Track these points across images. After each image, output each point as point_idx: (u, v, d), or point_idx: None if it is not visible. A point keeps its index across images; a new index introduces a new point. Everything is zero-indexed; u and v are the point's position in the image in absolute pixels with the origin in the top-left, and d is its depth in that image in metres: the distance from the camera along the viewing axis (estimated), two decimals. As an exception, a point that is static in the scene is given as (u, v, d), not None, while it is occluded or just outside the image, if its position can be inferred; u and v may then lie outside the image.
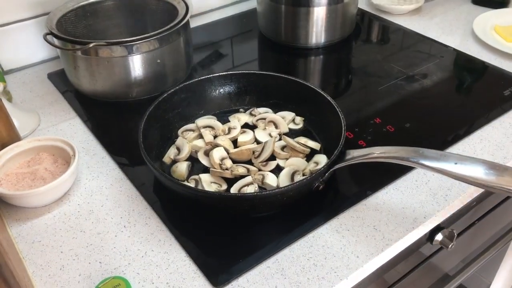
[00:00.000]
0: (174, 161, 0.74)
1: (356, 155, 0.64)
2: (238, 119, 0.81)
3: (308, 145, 0.75)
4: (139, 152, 0.66)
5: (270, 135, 0.77)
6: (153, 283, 0.58)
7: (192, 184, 0.68)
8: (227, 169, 0.70)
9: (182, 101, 0.80)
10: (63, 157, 0.74)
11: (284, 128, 0.78)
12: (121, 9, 0.98)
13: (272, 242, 0.62)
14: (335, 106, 0.73)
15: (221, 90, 0.83)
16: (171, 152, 0.74)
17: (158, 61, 0.86)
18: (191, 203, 0.67)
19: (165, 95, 0.77)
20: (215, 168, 0.70)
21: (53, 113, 0.88)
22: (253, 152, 0.74)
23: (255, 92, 0.84)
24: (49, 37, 0.83)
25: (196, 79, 0.81)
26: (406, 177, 0.71)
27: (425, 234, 0.72)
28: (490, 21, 1.10)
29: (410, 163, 0.58)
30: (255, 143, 0.77)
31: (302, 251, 0.61)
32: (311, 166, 0.71)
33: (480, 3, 1.21)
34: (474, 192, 0.71)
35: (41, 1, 0.97)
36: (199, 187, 0.68)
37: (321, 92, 0.76)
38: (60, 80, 0.96)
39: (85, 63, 0.84)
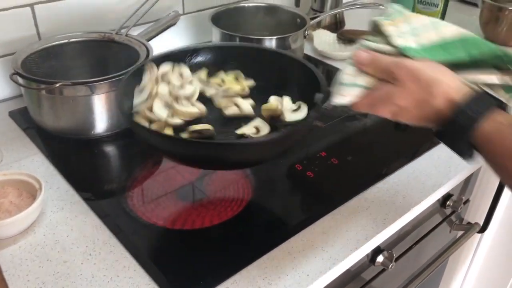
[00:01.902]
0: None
1: None
2: None
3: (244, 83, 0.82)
4: (102, 186, 0.71)
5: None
6: (119, 305, 0.62)
7: None
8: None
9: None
10: (28, 191, 0.76)
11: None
12: (84, 51, 1.02)
13: (230, 264, 0.67)
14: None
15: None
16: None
17: (120, 100, 0.91)
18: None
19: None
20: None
21: (15, 149, 0.90)
22: None
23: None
24: (14, 76, 0.87)
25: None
26: (348, 204, 0.79)
27: (368, 255, 0.80)
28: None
29: None
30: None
31: (258, 272, 0.67)
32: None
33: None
34: (410, 217, 0.80)
35: (4, 43, 1.01)
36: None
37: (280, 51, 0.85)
38: (22, 118, 0.99)
39: (49, 102, 0.89)
